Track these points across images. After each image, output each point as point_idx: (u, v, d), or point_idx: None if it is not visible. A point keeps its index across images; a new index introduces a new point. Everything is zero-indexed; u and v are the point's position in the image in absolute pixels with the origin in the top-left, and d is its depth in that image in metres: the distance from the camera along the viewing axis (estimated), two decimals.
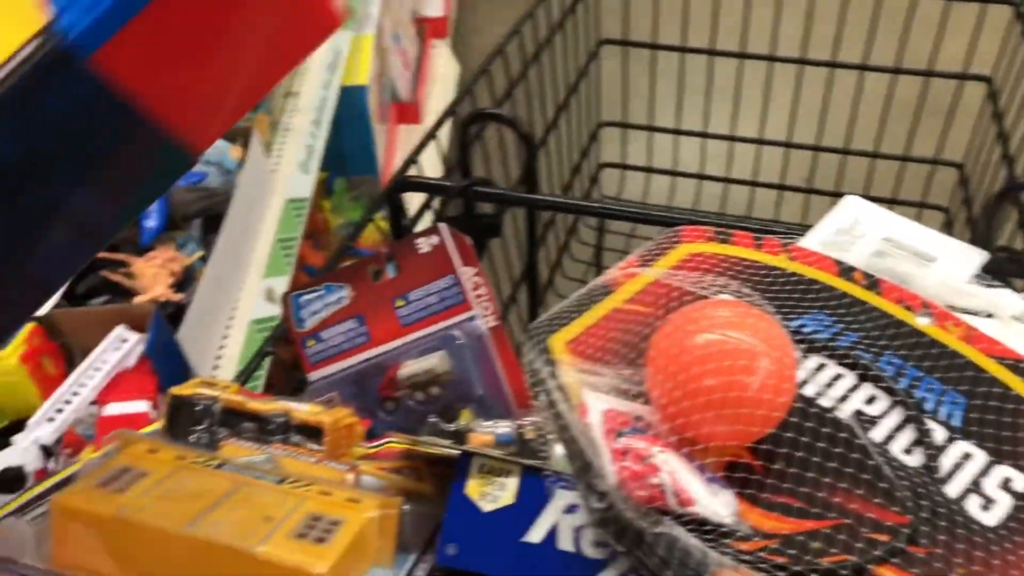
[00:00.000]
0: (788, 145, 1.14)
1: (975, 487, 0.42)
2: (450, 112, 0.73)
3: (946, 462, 0.43)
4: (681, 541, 0.37)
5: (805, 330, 0.48)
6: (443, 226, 0.58)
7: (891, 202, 1.13)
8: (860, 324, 0.49)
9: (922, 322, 0.49)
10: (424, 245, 0.58)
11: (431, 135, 0.71)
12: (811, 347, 0.47)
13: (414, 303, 0.58)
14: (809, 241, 0.55)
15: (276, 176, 1.24)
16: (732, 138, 1.15)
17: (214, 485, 0.43)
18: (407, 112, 1.76)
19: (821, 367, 0.46)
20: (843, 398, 0.45)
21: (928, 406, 0.45)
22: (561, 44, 1.06)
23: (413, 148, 0.71)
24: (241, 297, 1.07)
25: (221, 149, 1.11)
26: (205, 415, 0.49)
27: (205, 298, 0.98)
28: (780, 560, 0.38)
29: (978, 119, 1.07)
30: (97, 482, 0.43)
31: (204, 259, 1.01)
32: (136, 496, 0.42)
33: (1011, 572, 0.39)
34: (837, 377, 0.46)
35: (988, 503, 0.41)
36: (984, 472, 0.42)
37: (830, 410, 0.44)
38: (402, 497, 0.44)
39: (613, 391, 0.43)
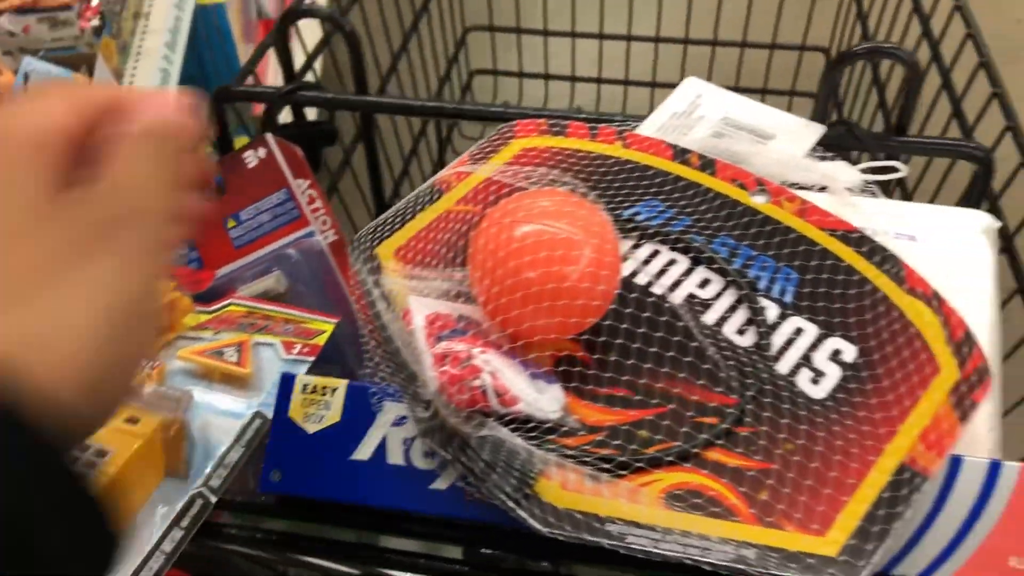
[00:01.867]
0: (656, 40, 1.12)
1: (806, 361, 0.42)
2: (287, 18, 0.68)
3: (777, 339, 0.43)
4: (506, 443, 0.36)
5: (639, 218, 0.47)
6: (269, 136, 0.54)
7: (762, 92, 1.12)
8: (694, 207, 0.48)
9: (757, 201, 0.48)
10: (251, 159, 0.55)
11: (267, 44, 0.67)
12: (644, 234, 0.46)
13: (246, 222, 0.55)
14: (646, 127, 0.53)
15: None
16: (601, 36, 1.13)
17: None
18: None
19: (654, 254, 0.46)
20: (675, 284, 0.44)
21: (761, 284, 0.44)
22: None
23: (248, 58, 0.67)
24: None
25: (62, 78, 1.04)
26: None
27: None
28: (606, 452, 0.38)
29: (839, 1, 1.07)
30: None
31: None
32: None
33: (836, 442, 0.39)
34: (670, 263, 0.45)
35: (818, 376, 0.41)
36: (815, 345, 0.42)
37: (661, 297, 0.44)
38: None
39: (442, 295, 0.41)
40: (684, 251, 0.46)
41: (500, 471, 0.36)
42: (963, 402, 0.40)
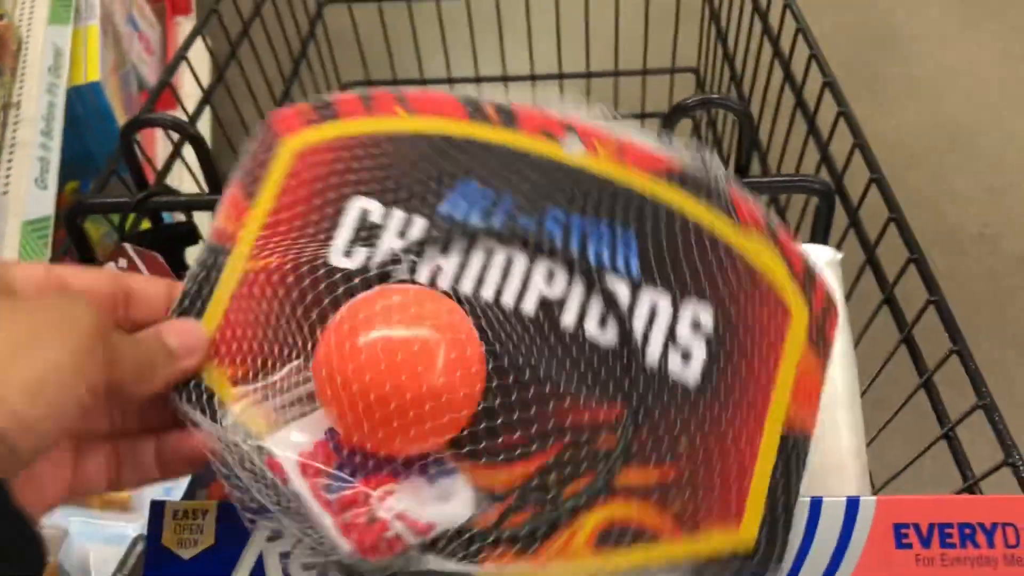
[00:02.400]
0: (532, 78, 1.14)
1: (671, 339, 0.40)
2: (128, 129, 0.65)
3: (638, 323, 0.40)
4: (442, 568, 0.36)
5: (457, 215, 0.42)
6: (128, 246, 0.54)
7: (640, 116, 1.15)
8: (510, 179, 0.42)
9: (573, 152, 0.43)
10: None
11: (115, 157, 0.65)
12: (471, 236, 0.41)
13: None
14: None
15: (8, 199, 1.14)
16: (477, 79, 1.14)
17: None
18: (159, 99, 1.66)
19: (489, 257, 0.41)
20: (523, 290, 0.40)
21: (605, 261, 0.41)
22: (285, 6, 1.02)
23: (110, 160, 0.66)
24: None
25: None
26: None
27: None
28: (526, 516, 0.36)
29: (701, 22, 1.10)
30: None
31: None
32: None
33: (722, 428, 0.38)
34: (509, 264, 0.41)
35: (685, 355, 0.40)
36: (674, 317, 0.40)
37: (517, 314, 0.40)
38: None
39: (290, 406, 0.38)
40: (521, 244, 0.41)
41: None
42: (819, 342, 0.40)
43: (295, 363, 0.39)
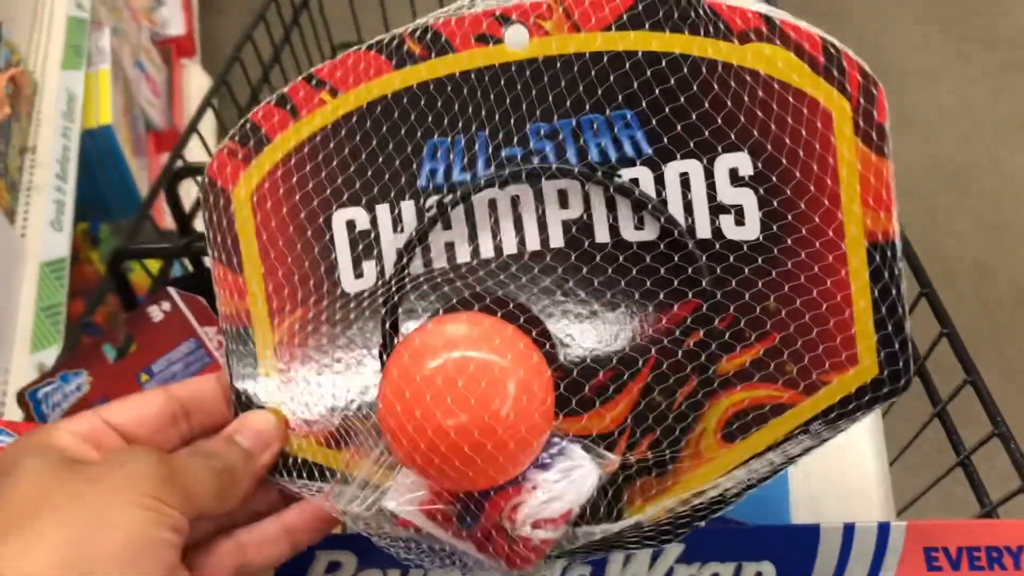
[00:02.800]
0: None
1: (715, 204, 0.36)
2: (173, 180, 0.68)
3: (674, 205, 0.36)
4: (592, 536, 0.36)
5: (439, 182, 0.38)
6: (171, 290, 0.56)
7: None
8: (469, 113, 0.37)
9: (519, 44, 0.37)
10: (156, 313, 0.56)
11: (157, 187, 0.68)
12: (465, 200, 0.37)
13: (159, 375, 0.56)
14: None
15: (26, 241, 1.16)
16: None
17: None
18: (166, 140, 1.69)
19: (494, 209, 0.37)
20: (542, 225, 0.37)
21: (612, 154, 0.37)
22: (300, 46, 1.04)
23: (141, 205, 0.68)
24: (9, 380, 1.01)
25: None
26: None
27: None
28: (647, 441, 0.36)
29: None
30: None
31: None
32: None
33: (802, 272, 0.36)
34: (516, 205, 0.37)
35: (737, 213, 0.36)
36: (710, 179, 0.36)
37: (544, 251, 0.37)
38: None
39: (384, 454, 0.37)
40: (517, 177, 0.37)
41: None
42: (872, 133, 0.36)
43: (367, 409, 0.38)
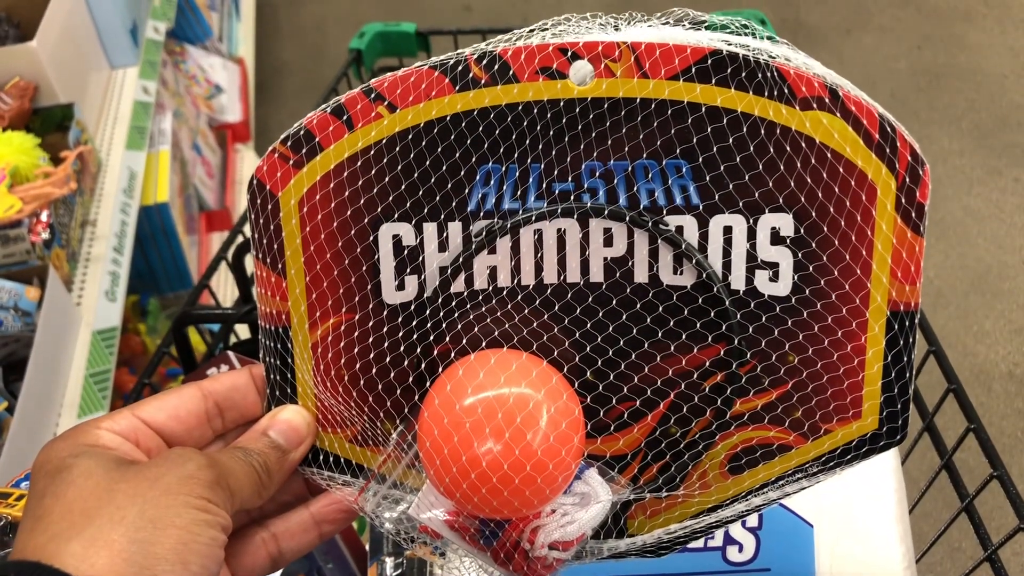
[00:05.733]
0: None
1: (753, 260, 0.38)
2: (242, 222, 0.73)
3: (714, 253, 0.38)
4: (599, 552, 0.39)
5: (489, 206, 0.38)
6: (231, 354, 0.59)
7: None
8: (526, 145, 0.37)
9: (583, 82, 0.37)
10: (215, 375, 0.59)
11: (219, 258, 0.72)
12: (513, 227, 0.38)
13: None
14: (389, 78, 0.39)
15: (80, 310, 1.21)
16: None
17: None
18: (217, 220, 1.75)
19: (540, 240, 0.38)
20: (584, 261, 0.38)
21: (661, 200, 0.37)
22: None
23: (200, 275, 0.72)
24: None
25: (15, 292, 1.08)
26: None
27: (16, 449, 0.95)
28: (657, 467, 0.40)
29: None
30: None
31: (10, 410, 0.97)
32: None
33: (824, 332, 0.38)
34: (562, 239, 0.38)
35: (773, 269, 0.38)
36: (752, 236, 0.38)
37: (584, 285, 0.38)
38: None
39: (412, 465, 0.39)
40: (567, 212, 0.38)
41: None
42: (912, 211, 0.37)
43: (396, 420, 0.40)
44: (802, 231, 0.37)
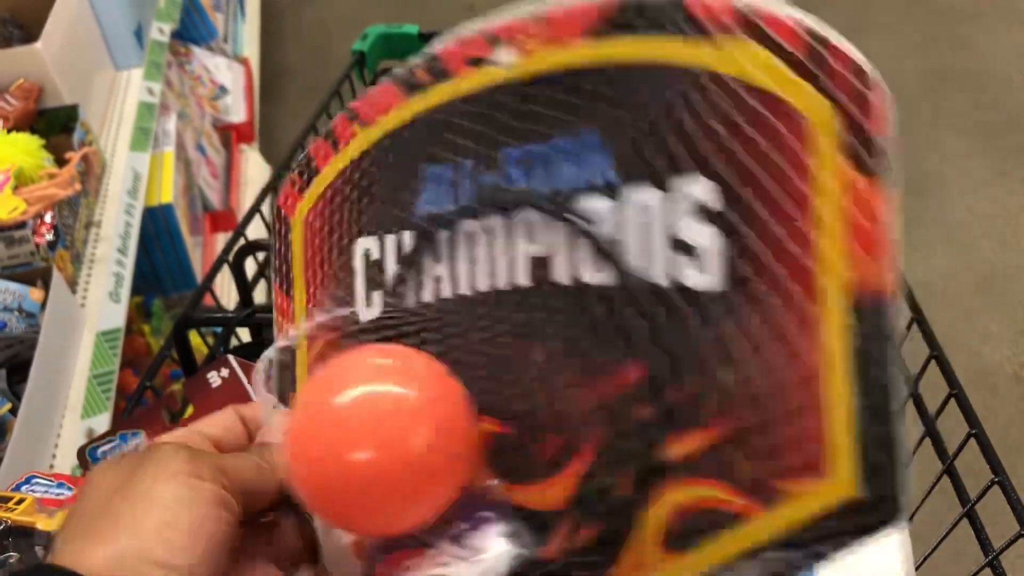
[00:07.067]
0: None
1: (674, 242, 0.29)
2: (244, 225, 0.73)
3: (632, 242, 0.30)
4: None
5: (432, 210, 0.36)
6: (231, 357, 0.59)
7: None
8: (456, 140, 0.35)
9: (505, 65, 0.33)
10: (215, 379, 0.59)
11: (220, 260, 0.72)
12: (450, 230, 0.35)
13: None
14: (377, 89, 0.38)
15: (85, 311, 1.21)
16: None
17: None
18: (221, 220, 1.76)
19: (472, 242, 0.34)
20: (511, 260, 0.34)
21: (577, 180, 0.31)
22: None
23: (205, 277, 0.72)
24: (60, 443, 1.04)
25: (19, 293, 1.09)
26: None
27: (19, 451, 0.95)
28: (591, 532, 0.30)
29: None
30: None
31: (13, 411, 0.98)
32: None
33: (767, 338, 0.27)
34: (491, 238, 0.34)
35: (697, 253, 0.28)
36: (670, 208, 0.29)
37: (512, 291, 0.33)
38: None
39: None
40: (492, 207, 0.34)
41: None
42: (862, 149, 0.25)
43: None
44: (729, 198, 0.28)
